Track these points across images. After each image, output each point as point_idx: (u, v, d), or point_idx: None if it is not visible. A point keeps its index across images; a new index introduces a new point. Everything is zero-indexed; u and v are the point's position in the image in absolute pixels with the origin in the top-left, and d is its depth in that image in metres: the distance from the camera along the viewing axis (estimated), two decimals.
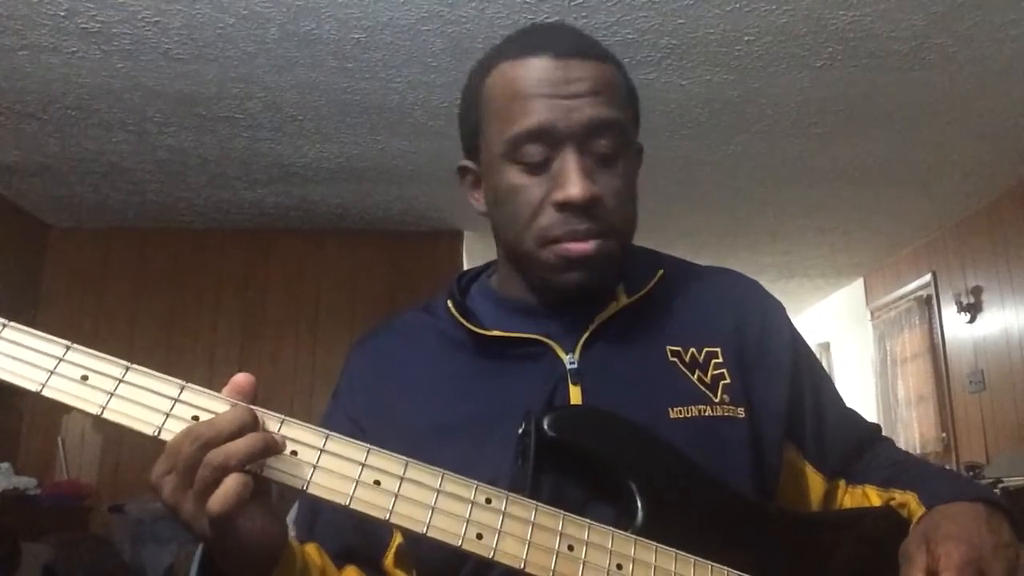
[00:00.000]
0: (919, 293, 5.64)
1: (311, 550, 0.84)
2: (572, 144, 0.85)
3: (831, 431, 0.97)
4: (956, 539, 0.77)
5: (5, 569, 3.06)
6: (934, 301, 5.43)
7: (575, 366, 0.88)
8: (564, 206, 0.85)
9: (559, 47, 0.87)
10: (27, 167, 4.19)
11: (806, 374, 0.98)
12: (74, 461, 4.74)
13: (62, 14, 2.90)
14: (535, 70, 0.86)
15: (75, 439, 4.76)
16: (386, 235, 5.19)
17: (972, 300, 4.96)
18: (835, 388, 1.03)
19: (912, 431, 5.61)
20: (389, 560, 0.88)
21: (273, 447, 0.68)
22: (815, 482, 0.95)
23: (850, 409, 1.03)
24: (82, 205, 4.74)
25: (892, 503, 0.91)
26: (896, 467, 0.96)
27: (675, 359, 0.90)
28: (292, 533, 0.89)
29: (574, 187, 0.83)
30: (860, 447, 1.00)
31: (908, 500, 0.89)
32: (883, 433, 1.05)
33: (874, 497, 0.93)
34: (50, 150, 3.99)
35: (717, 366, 0.90)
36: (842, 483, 0.97)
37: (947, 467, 4.94)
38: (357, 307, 5.04)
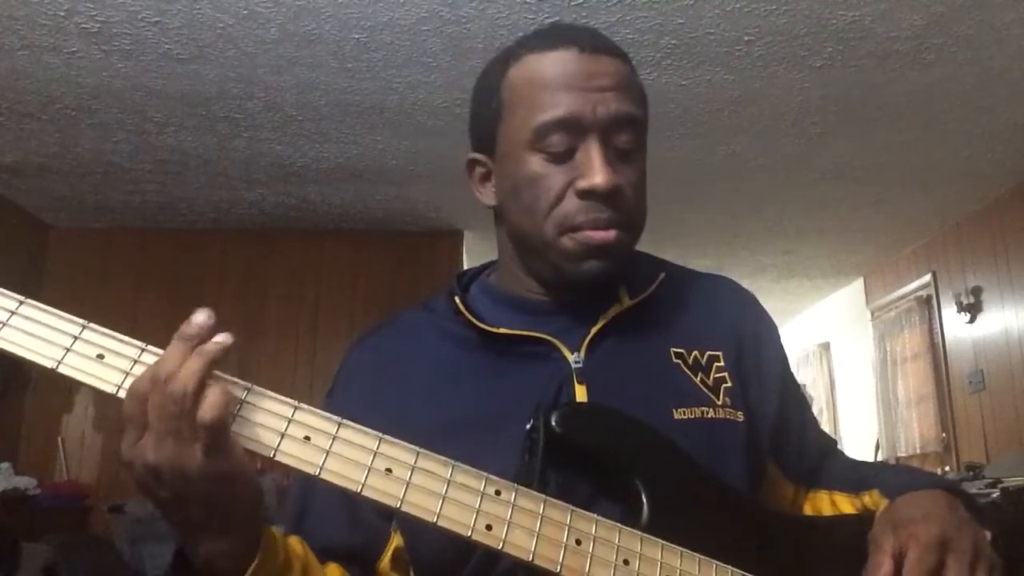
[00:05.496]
0: (919, 293, 5.64)
1: (294, 542, 0.82)
2: (596, 135, 0.86)
3: (810, 445, 1.01)
4: (921, 520, 0.79)
5: (5, 569, 3.06)
6: (934, 301, 5.43)
7: (580, 365, 0.88)
8: (588, 194, 0.86)
9: (583, 42, 0.89)
10: (27, 167, 4.19)
11: (792, 390, 1.02)
12: (74, 461, 4.74)
13: (62, 14, 2.90)
14: (562, 62, 0.88)
15: (75, 439, 4.76)
16: (386, 235, 5.19)
17: (972, 300, 4.96)
18: (809, 404, 1.08)
19: (912, 431, 5.60)
20: (385, 563, 0.88)
21: (217, 353, 0.68)
22: (787, 491, 0.98)
23: (818, 423, 1.08)
24: (82, 205, 4.74)
25: (869, 504, 0.93)
26: (858, 471, 0.99)
27: (678, 360, 0.91)
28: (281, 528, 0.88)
29: (599, 175, 0.85)
30: (824, 457, 1.03)
31: (874, 497, 0.91)
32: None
33: (844, 504, 0.96)
34: (50, 150, 3.99)
35: (719, 369, 0.92)
36: (803, 489, 1.00)
37: (946, 468, 4.95)
38: (357, 307, 5.04)
